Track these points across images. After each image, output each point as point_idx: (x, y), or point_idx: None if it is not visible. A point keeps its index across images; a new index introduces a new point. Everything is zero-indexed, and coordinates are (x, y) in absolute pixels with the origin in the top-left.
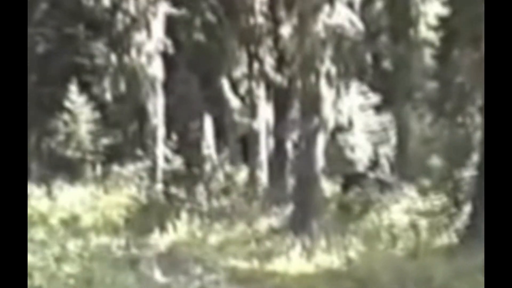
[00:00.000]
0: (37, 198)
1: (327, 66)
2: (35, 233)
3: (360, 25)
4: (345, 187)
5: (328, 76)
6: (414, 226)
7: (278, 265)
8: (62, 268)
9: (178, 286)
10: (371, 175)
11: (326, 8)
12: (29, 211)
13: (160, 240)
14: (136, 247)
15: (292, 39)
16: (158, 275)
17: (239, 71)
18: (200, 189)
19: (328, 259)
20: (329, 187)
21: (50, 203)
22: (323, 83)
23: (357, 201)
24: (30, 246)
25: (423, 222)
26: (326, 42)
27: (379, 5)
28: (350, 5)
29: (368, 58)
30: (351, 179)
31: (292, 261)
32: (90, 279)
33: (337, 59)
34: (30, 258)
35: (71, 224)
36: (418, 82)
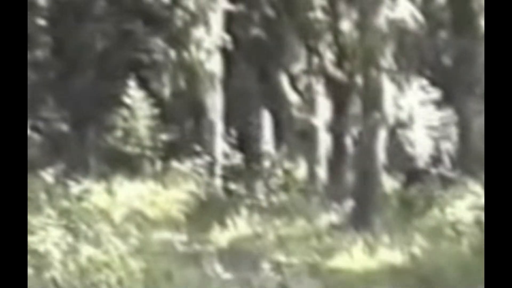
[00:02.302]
0: (96, 194)
1: (388, 60)
2: (97, 229)
3: (422, 19)
4: (407, 183)
5: (389, 71)
6: (479, 222)
7: (340, 261)
8: (126, 263)
9: (240, 283)
10: (433, 170)
11: (388, 1)
12: (89, 207)
13: (220, 236)
14: (198, 243)
15: (353, 34)
16: (220, 271)
17: (298, 66)
18: (259, 184)
19: (391, 255)
20: (390, 183)
21: (109, 199)
22: (384, 78)
23: (420, 197)
24: (92, 241)
25: None
26: (388, 37)
27: None
28: None
29: (429, 52)
30: (412, 175)
31: (355, 258)
32: (154, 275)
33: (399, 54)
34: (96, 253)
35: (132, 219)
36: (479, 76)
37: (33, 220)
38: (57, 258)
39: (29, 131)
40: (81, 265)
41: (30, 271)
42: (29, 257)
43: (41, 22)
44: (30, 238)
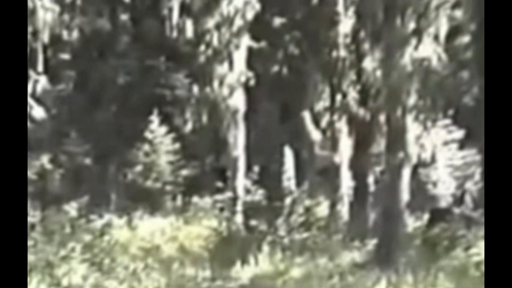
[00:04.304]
0: (117, 228)
1: (413, 99)
2: (119, 263)
3: (446, 58)
4: (430, 222)
5: (413, 110)
6: None
7: None
8: None
9: None
10: (456, 210)
11: (413, 40)
12: (110, 240)
13: (242, 272)
14: (219, 279)
15: (376, 72)
16: None
17: (321, 104)
18: (280, 221)
19: None
20: (412, 222)
21: (130, 233)
22: (408, 117)
23: (443, 237)
24: (116, 276)
25: None
26: (412, 75)
27: (464, 38)
28: (436, 38)
29: (452, 92)
30: (435, 214)
31: None
32: None
33: (423, 93)
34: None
35: (152, 254)
36: None
37: (58, 253)
38: None
39: (51, 165)
40: None
41: None
42: None
43: (65, 56)
44: (55, 271)
